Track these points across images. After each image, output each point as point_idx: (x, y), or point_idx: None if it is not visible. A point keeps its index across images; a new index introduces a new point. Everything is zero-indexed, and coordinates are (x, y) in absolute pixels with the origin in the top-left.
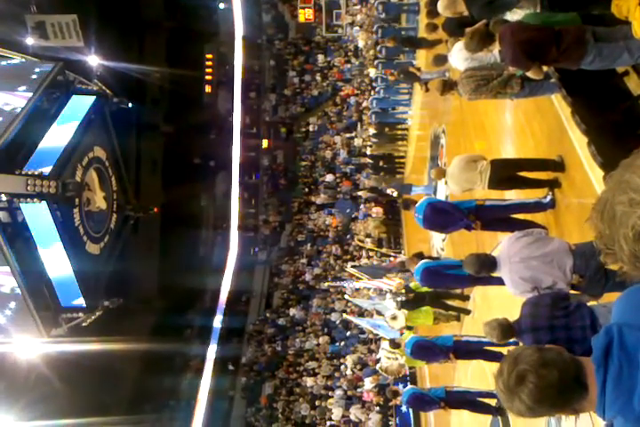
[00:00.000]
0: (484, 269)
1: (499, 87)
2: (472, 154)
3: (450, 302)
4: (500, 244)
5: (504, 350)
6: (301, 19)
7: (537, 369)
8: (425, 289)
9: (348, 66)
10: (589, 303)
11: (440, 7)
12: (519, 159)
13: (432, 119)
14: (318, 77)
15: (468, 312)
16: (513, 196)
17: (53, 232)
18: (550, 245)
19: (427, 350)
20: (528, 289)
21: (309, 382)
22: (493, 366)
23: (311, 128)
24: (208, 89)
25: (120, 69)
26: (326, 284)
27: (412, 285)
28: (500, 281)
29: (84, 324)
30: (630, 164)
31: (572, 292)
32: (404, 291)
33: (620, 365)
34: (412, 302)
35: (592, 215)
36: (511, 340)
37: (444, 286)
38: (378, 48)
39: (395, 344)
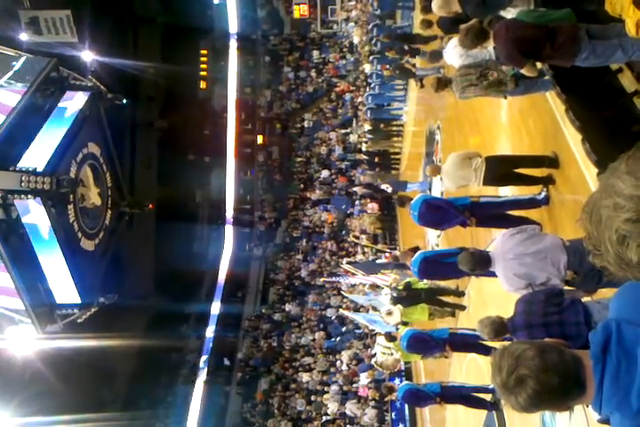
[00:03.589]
0: (479, 267)
1: (493, 85)
2: (467, 151)
3: (445, 299)
4: (495, 240)
5: (498, 345)
6: (296, 14)
7: (537, 375)
8: (421, 286)
9: (343, 62)
10: (584, 299)
11: (434, 7)
12: (514, 156)
13: (427, 115)
14: (313, 73)
15: (463, 308)
16: (507, 192)
17: (48, 229)
18: (544, 241)
19: (423, 342)
20: (522, 286)
21: (305, 377)
22: (489, 362)
23: (306, 124)
24: (203, 85)
25: (114, 65)
26: (321, 280)
27: (409, 280)
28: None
29: (79, 320)
30: (616, 168)
31: (567, 288)
32: (401, 287)
33: (618, 361)
34: (407, 299)
35: (582, 217)
36: (505, 336)
37: (442, 275)
38: (373, 41)
39: (390, 337)
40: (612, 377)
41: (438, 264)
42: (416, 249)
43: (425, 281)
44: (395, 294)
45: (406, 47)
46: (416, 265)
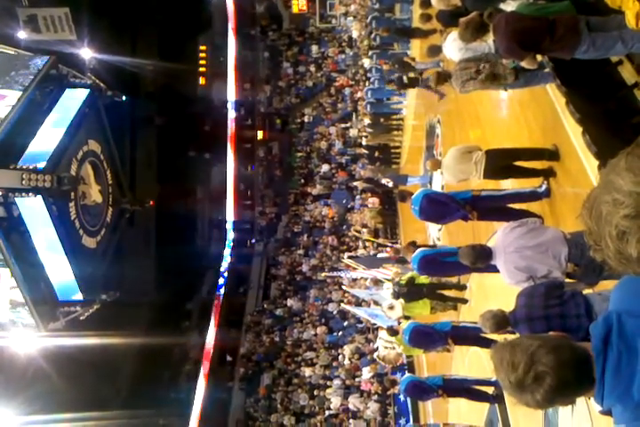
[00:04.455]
0: (480, 261)
1: (492, 79)
2: (467, 145)
3: (447, 293)
4: (496, 234)
5: (501, 338)
6: (295, 9)
7: (556, 371)
8: (423, 280)
9: (343, 56)
10: (584, 291)
11: (433, 0)
12: (514, 149)
13: (427, 109)
14: (312, 68)
15: (464, 302)
16: (508, 185)
17: (49, 226)
18: (545, 234)
19: (425, 335)
20: (523, 279)
21: (308, 372)
22: (491, 356)
23: (306, 119)
24: (202, 81)
25: (113, 62)
26: (323, 274)
27: (412, 275)
28: (497, 268)
29: (81, 317)
30: (615, 164)
31: (568, 280)
32: (404, 282)
33: (619, 353)
34: (409, 294)
35: (582, 212)
36: (506, 330)
37: (442, 273)
38: (372, 36)
39: (392, 331)
40: (614, 369)
41: (438, 263)
42: (414, 243)
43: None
44: (396, 289)
45: (405, 80)
46: (416, 262)
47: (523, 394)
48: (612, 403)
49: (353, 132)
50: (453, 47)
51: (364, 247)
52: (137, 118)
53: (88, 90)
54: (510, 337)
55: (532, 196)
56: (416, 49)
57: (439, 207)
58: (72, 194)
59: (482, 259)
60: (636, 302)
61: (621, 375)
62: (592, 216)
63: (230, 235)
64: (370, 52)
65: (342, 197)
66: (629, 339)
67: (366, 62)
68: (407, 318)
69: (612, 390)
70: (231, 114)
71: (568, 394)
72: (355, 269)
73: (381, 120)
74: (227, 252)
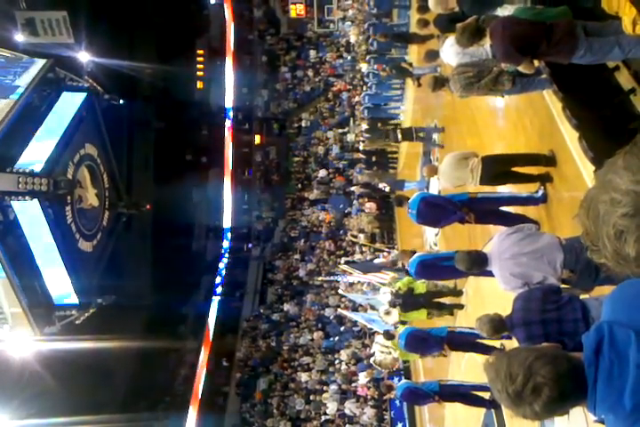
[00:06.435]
0: (475, 267)
1: (490, 84)
2: (463, 151)
3: (443, 300)
4: (492, 240)
5: (497, 343)
6: (293, 14)
7: (554, 382)
8: (420, 290)
9: (340, 61)
10: (581, 296)
11: (431, 3)
12: (510, 154)
13: (424, 114)
14: (310, 73)
15: (461, 307)
16: (505, 190)
17: (45, 230)
18: (540, 240)
19: (421, 340)
20: (519, 285)
21: (304, 377)
22: (487, 367)
23: (304, 124)
24: (199, 85)
25: (111, 66)
26: (319, 279)
27: (411, 283)
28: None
29: (77, 321)
30: (613, 163)
31: (563, 286)
32: (402, 292)
33: (611, 363)
34: (406, 305)
35: (579, 212)
36: (503, 334)
37: (439, 278)
38: (369, 41)
39: (389, 335)
40: (605, 379)
41: (435, 267)
42: (414, 252)
43: (423, 280)
44: (394, 300)
45: (399, 136)
46: (413, 267)
47: (520, 406)
48: (604, 413)
49: (350, 137)
50: (451, 52)
51: (361, 252)
52: (134, 122)
53: (85, 93)
54: (506, 342)
55: (529, 200)
56: (414, 54)
57: (436, 210)
58: (68, 197)
59: (477, 265)
60: (627, 312)
61: (613, 385)
62: (589, 216)
63: (227, 239)
64: (367, 57)
65: (339, 202)
66: (620, 349)
67: (364, 67)
68: (403, 323)
69: (603, 400)
70: (228, 118)
71: (565, 405)
72: (351, 273)
73: (379, 125)
74: (223, 256)
